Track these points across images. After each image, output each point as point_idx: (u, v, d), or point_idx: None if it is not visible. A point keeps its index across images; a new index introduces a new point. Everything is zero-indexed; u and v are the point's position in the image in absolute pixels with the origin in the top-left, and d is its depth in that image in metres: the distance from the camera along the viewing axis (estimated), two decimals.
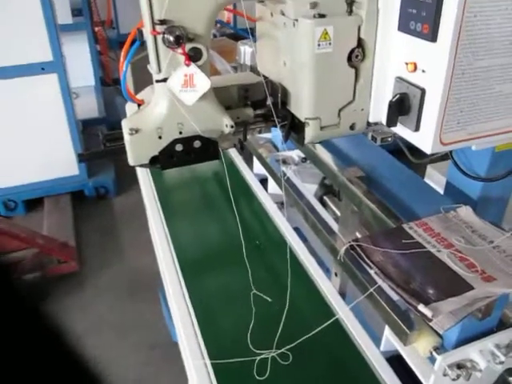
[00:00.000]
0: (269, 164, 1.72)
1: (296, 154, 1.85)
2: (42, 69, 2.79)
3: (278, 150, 1.94)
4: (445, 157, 1.12)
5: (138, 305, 2.48)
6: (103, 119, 4.00)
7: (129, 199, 3.39)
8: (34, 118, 2.94)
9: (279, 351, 1.14)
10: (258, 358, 1.12)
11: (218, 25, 5.60)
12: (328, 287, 1.36)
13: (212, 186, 1.98)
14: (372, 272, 0.90)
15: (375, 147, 1.36)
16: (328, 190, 1.82)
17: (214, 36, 5.64)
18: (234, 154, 2.09)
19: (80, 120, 3.60)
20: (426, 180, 1.87)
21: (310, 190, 1.76)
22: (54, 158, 3.09)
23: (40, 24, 2.66)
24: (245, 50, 1.96)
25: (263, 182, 1.95)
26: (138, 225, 2.90)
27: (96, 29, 4.61)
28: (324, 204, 1.78)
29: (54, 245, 2.63)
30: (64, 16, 3.77)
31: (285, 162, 1.79)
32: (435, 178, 1.85)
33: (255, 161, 1.96)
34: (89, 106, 4.13)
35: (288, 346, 1.13)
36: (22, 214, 3.23)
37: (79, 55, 4.18)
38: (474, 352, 1.01)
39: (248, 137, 2.06)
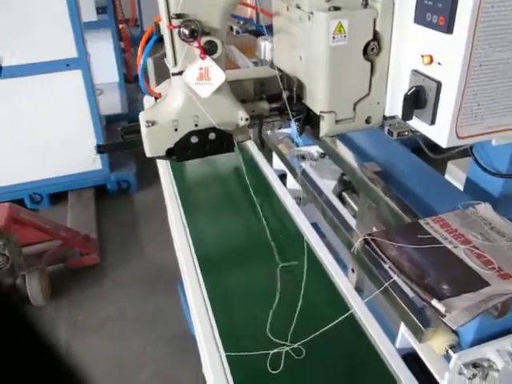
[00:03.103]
0: (287, 159, 1.72)
1: (315, 150, 1.84)
2: (67, 65, 2.84)
3: (297, 146, 1.94)
4: (465, 153, 1.10)
5: (158, 298, 2.51)
6: (126, 115, 4.05)
7: (150, 194, 3.43)
8: (59, 113, 2.99)
9: (294, 346, 1.14)
10: (272, 352, 1.13)
11: (242, 21, 5.61)
12: (344, 283, 1.35)
13: (232, 182, 1.98)
14: (386, 266, 0.90)
15: (394, 143, 1.35)
16: (347, 186, 1.81)
17: (237, 32, 5.66)
18: (254, 150, 2.10)
19: (103, 116, 3.66)
20: (447, 177, 1.85)
21: (328, 185, 1.75)
22: (78, 153, 3.15)
23: (65, 21, 2.71)
24: (265, 45, 1.96)
25: (283, 177, 1.95)
26: (159, 219, 2.93)
27: (120, 26, 4.66)
28: (343, 200, 1.77)
29: (76, 237, 2.68)
30: (89, 13, 3.84)
31: (304, 157, 1.78)
32: (456, 175, 1.82)
33: (274, 156, 1.96)
34: (112, 103, 4.19)
35: (302, 341, 1.14)
36: (47, 207, 3.30)
37: (103, 52, 4.25)
38: (490, 351, 0.99)
39: (268, 132, 2.06)
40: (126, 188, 3.46)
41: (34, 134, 3.01)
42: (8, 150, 3.03)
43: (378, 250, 0.90)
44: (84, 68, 2.90)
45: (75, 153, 3.13)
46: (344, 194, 1.80)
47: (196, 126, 0.87)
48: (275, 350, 1.13)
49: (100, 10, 4.22)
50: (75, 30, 2.76)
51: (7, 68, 2.70)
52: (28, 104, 2.91)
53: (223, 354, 1.16)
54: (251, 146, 2.12)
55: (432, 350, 1.04)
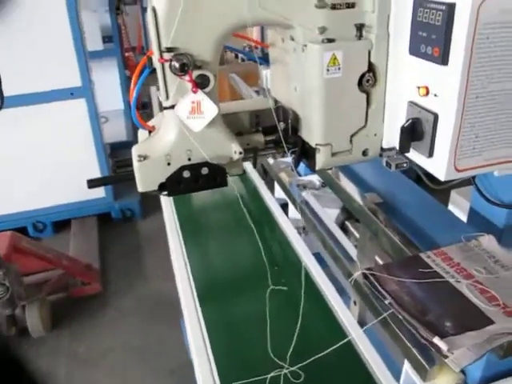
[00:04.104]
0: (288, 189, 1.70)
1: (317, 179, 1.82)
2: (71, 94, 2.87)
3: (299, 175, 1.92)
4: (470, 181, 1.08)
5: (160, 329, 2.47)
6: (131, 143, 4.06)
7: (154, 222, 3.40)
8: (63, 141, 3.00)
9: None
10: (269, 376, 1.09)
11: (247, 49, 5.67)
12: (346, 315, 1.31)
13: (233, 212, 1.96)
14: (386, 302, 0.86)
15: (395, 172, 1.32)
16: (350, 215, 1.78)
17: (242, 60, 5.72)
18: (256, 179, 2.08)
19: (108, 143, 3.68)
20: (451, 206, 1.82)
21: (331, 215, 1.73)
22: (82, 181, 3.13)
23: (70, 51, 2.74)
24: (267, 74, 1.96)
25: (285, 206, 1.93)
26: (162, 248, 2.89)
27: (126, 54, 4.72)
28: (346, 229, 1.74)
29: (78, 267, 2.65)
30: (95, 43, 3.90)
31: (305, 186, 1.76)
32: (460, 204, 1.79)
33: (276, 185, 1.94)
34: (118, 130, 4.21)
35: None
36: (50, 236, 3.28)
37: (109, 80, 4.30)
38: None
39: (270, 161, 2.04)
40: (130, 216, 3.44)
41: (38, 162, 3.02)
42: (12, 178, 3.03)
43: (377, 285, 0.87)
44: (88, 97, 2.92)
45: (79, 181, 3.10)
46: (347, 223, 1.77)
47: (189, 159, 0.85)
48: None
49: (106, 38, 4.29)
50: (79, 59, 2.79)
51: (11, 97, 2.71)
52: (32, 132, 2.93)
53: None
54: (253, 175, 2.10)
55: None
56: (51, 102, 2.85)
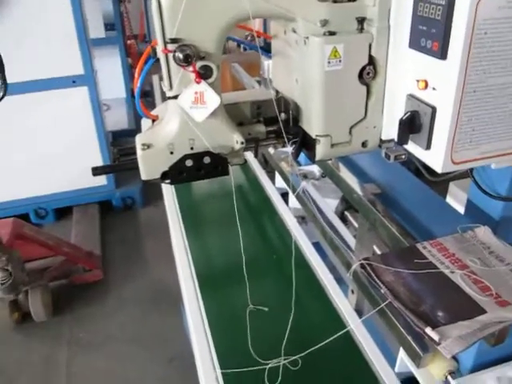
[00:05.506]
0: (288, 178, 1.72)
1: (317, 169, 1.84)
2: (73, 82, 2.87)
3: (299, 165, 1.94)
4: (467, 174, 1.09)
5: (160, 317, 2.49)
6: (133, 131, 4.08)
7: (156, 211, 3.43)
8: (65, 129, 3.02)
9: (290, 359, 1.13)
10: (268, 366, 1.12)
11: (249, 38, 5.65)
12: (344, 304, 1.34)
13: (235, 200, 1.98)
14: (382, 292, 0.88)
15: (395, 164, 1.34)
16: (349, 205, 1.80)
17: (245, 49, 5.71)
18: (257, 168, 2.10)
19: (110, 131, 3.69)
20: (449, 198, 1.83)
21: (330, 205, 1.75)
22: (84, 169, 3.16)
23: (72, 38, 2.75)
24: (268, 64, 1.97)
25: (285, 195, 1.95)
26: (163, 236, 2.91)
27: (128, 42, 4.71)
28: (345, 219, 1.76)
29: (79, 253, 2.68)
30: (97, 30, 3.90)
31: (306, 176, 1.78)
32: (458, 196, 1.80)
33: (277, 175, 1.96)
34: (119, 118, 4.22)
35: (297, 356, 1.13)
36: (52, 222, 3.31)
37: (111, 68, 4.30)
38: (491, 379, 0.97)
39: (271, 150, 2.06)
40: (131, 204, 3.46)
41: (40, 149, 3.04)
42: (14, 165, 3.05)
43: (373, 276, 0.89)
44: (90, 85, 2.93)
45: (81, 168, 3.14)
46: (346, 212, 1.79)
47: (192, 149, 0.87)
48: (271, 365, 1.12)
49: (108, 26, 4.28)
50: (82, 47, 2.80)
51: (14, 84, 2.71)
52: (34, 120, 2.94)
53: (219, 372, 1.16)
54: (254, 164, 2.12)
55: (431, 375, 1.02)
56: (53, 89, 2.85)
